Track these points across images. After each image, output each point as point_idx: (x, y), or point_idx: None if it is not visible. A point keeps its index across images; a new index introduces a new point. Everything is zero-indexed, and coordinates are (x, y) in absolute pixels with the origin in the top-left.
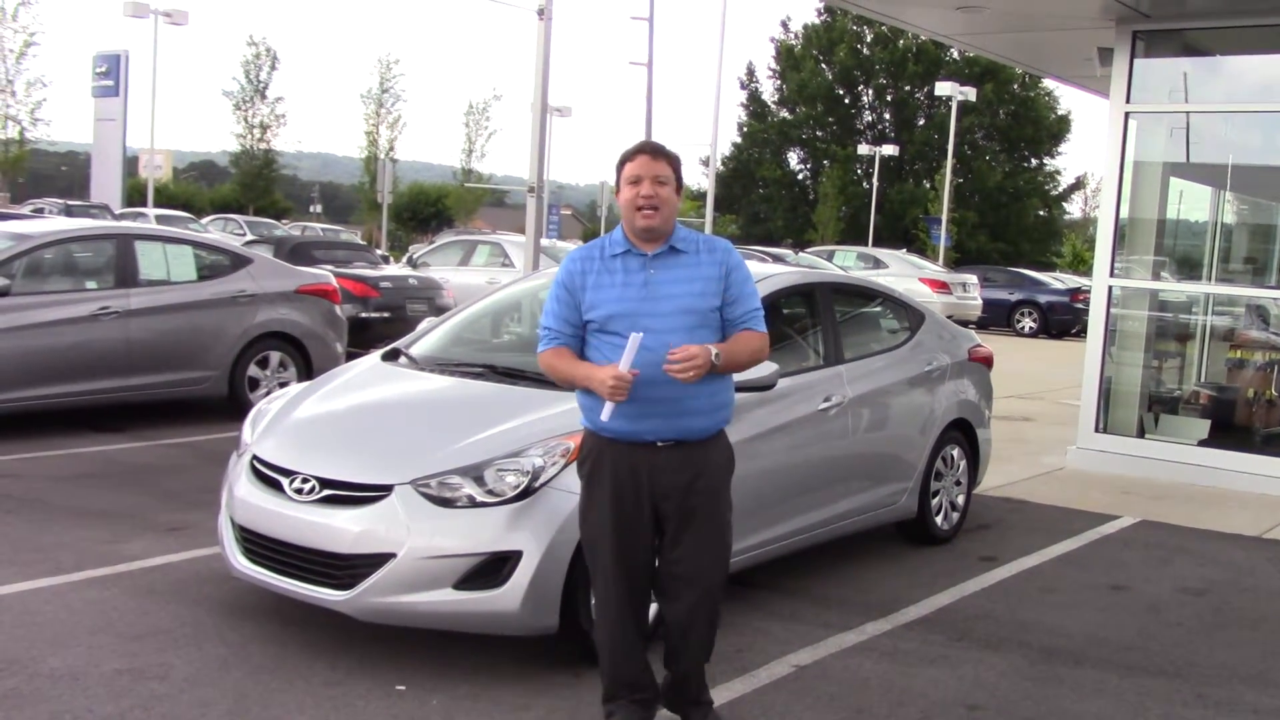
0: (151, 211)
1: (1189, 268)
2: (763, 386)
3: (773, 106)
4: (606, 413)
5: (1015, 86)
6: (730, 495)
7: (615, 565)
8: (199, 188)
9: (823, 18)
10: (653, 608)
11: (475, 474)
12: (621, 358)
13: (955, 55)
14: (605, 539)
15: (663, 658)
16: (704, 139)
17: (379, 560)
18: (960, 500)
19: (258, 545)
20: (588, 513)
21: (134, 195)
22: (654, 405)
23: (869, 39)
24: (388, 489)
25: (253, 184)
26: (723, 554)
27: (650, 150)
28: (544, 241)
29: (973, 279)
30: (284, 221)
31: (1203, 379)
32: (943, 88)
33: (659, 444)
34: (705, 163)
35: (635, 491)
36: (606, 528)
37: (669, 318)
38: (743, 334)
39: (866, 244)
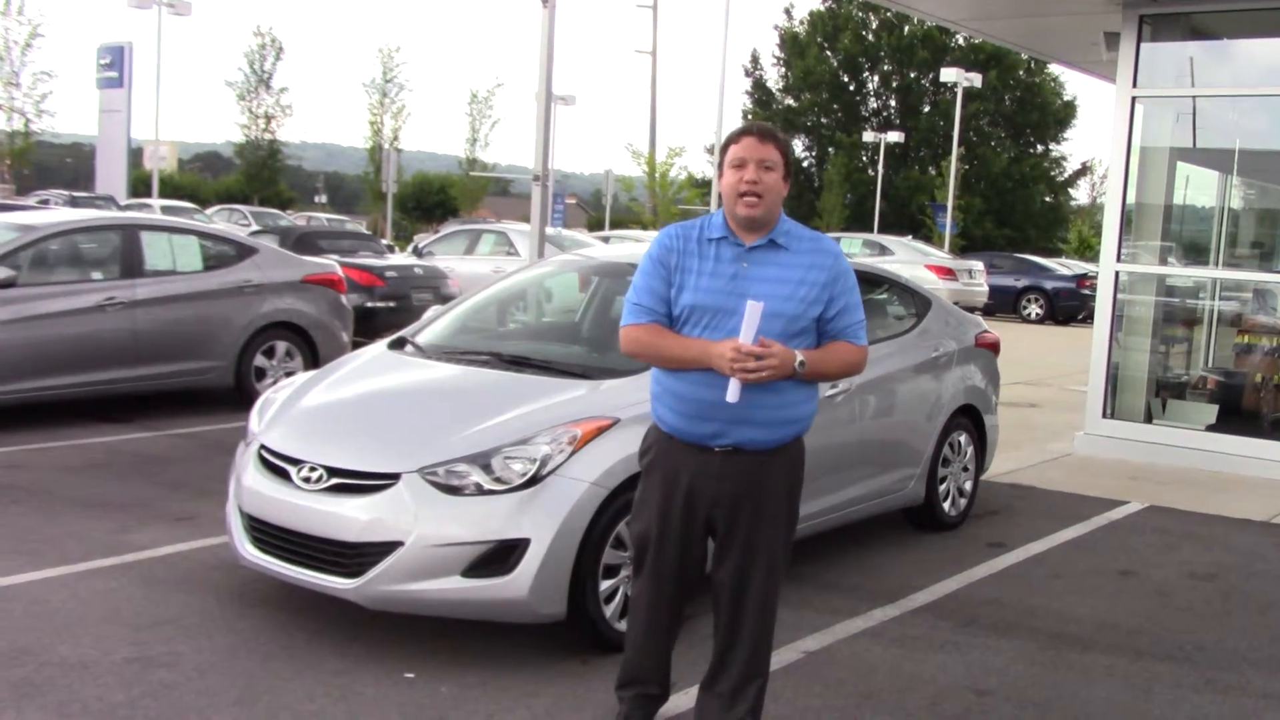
0: (156, 202)
1: (1196, 253)
2: None
3: (777, 94)
4: (733, 393)
5: (1021, 72)
6: (794, 513)
7: (653, 563)
8: (204, 179)
9: (827, 4)
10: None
11: (482, 462)
12: (741, 330)
13: (960, 41)
14: (650, 535)
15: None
16: (709, 126)
17: (387, 548)
18: (968, 486)
19: (266, 534)
20: (639, 506)
21: (139, 186)
22: (715, 408)
23: (874, 25)
24: (395, 477)
25: (257, 174)
26: (772, 576)
27: (758, 132)
28: (549, 230)
29: (979, 265)
30: (289, 212)
31: (1210, 364)
32: (948, 74)
33: (716, 449)
34: (710, 150)
35: (686, 496)
36: (652, 525)
37: None
38: (838, 344)
39: (872, 231)
